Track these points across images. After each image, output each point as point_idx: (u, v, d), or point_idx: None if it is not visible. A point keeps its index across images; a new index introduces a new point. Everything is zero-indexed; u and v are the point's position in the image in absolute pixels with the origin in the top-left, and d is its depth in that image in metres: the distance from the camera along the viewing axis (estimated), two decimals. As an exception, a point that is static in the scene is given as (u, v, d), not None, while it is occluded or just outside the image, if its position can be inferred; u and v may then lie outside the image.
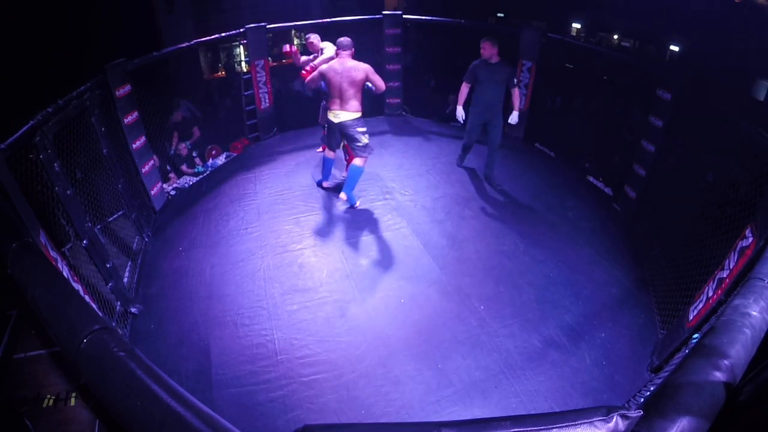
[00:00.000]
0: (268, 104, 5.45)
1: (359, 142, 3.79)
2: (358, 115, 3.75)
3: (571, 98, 5.91)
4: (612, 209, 4.39)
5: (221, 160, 5.30)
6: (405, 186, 4.50)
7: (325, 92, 4.00)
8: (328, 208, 4.17)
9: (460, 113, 4.34)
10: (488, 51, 4.07)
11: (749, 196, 2.68)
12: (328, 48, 4.27)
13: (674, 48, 8.12)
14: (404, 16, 5.65)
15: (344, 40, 3.71)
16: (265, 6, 8.03)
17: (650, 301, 3.30)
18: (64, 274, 2.32)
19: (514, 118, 4.27)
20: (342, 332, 2.97)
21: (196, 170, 5.13)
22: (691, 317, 2.56)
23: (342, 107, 3.70)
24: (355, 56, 3.75)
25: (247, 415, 2.48)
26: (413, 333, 2.96)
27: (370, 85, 3.78)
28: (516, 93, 4.21)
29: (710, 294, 2.45)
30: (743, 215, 2.59)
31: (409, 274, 3.42)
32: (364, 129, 3.79)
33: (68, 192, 2.79)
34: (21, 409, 2.39)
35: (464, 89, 4.27)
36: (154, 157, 4.34)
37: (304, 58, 4.52)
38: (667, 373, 2.05)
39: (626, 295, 3.33)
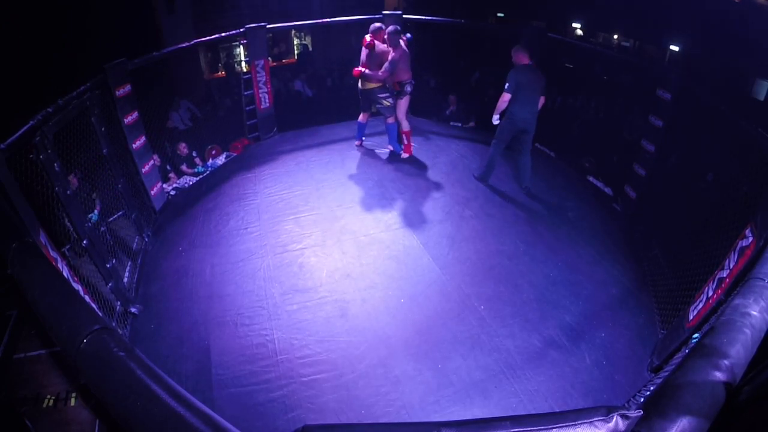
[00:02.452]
0: (268, 104, 5.45)
1: (381, 104, 4.75)
2: (380, 84, 4.62)
3: (571, 98, 5.91)
4: (612, 209, 4.39)
5: (221, 160, 5.30)
6: (405, 186, 4.50)
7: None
8: (328, 208, 4.17)
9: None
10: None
11: (749, 195, 2.68)
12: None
13: (674, 48, 8.13)
14: (404, 16, 5.65)
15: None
16: (265, 6, 8.03)
17: (650, 301, 3.30)
18: (64, 274, 2.32)
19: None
20: (342, 332, 2.96)
21: (196, 170, 5.13)
22: (691, 317, 2.56)
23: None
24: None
25: (247, 415, 2.48)
26: (413, 333, 2.96)
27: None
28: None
29: (710, 294, 2.45)
30: (743, 215, 2.59)
31: (409, 274, 3.42)
32: (386, 94, 4.69)
33: (68, 192, 2.79)
34: (21, 409, 2.39)
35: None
36: (154, 156, 4.34)
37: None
38: (667, 373, 2.05)
39: (626, 295, 3.33)
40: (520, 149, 4.34)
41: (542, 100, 4.11)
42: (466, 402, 2.55)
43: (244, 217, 4.09)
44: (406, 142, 4.97)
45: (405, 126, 4.92)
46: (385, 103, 4.74)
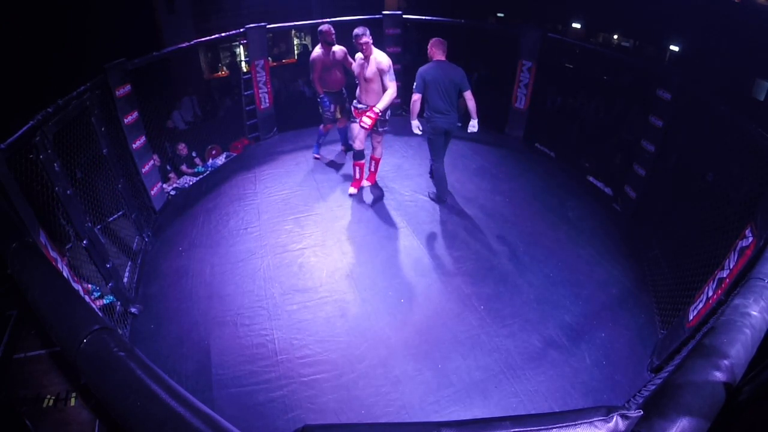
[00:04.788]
0: (268, 104, 5.45)
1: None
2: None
3: (571, 98, 5.91)
4: (612, 209, 4.38)
5: (221, 160, 5.30)
6: (405, 186, 4.50)
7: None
8: (328, 208, 4.17)
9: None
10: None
11: (749, 196, 2.68)
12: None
13: (674, 48, 8.12)
14: (404, 16, 5.65)
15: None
16: (264, 6, 8.03)
17: (650, 301, 3.30)
18: (64, 274, 2.32)
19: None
20: (342, 332, 2.97)
21: (196, 170, 5.13)
22: (691, 317, 2.56)
23: None
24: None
25: (247, 415, 2.48)
26: (413, 333, 2.96)
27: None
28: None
29: (710, 294, 2.45)
30: (743, 215, 2.59)
31: (409, 274, 3.42)
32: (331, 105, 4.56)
33: (68, 192, 2.80)
34: (21, 409, 2.39)
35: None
36: (154, 156, 4.34)
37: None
38: (667, 373, 2.05)
39: (626, 295, 3.33)
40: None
41: (469, 95, 3.74)
42: (466, 402, 2.55)
43: (244, 217, 4.09)
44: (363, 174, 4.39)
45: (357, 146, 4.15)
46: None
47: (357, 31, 3.75)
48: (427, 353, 2.82)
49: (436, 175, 4.12)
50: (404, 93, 5.99)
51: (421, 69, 3.74)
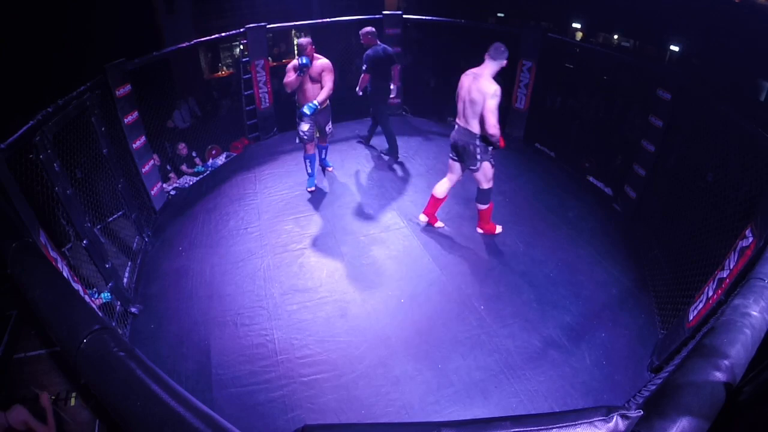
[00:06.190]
0: (268, 104, 5.45)
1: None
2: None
3: (572, 98, 5.91)
4: (612, 209, 4.38)
5: (221, 160, 5.30)
6: (405, 186, 4.50)
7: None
8: (328, 208, 4.17)
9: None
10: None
11: (749, 196, 2.68)
12: None
13: (674, 48, 8.13)
14: (404, 16, 5.65)
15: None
16: (265, 6, 8.03)
17: (650, 301, 3.30)
18: (64, 274, 2.32)
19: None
20: (342, 332, 2.96)
21: (196, 170, 5.13)
22: (691, 317, 2.56)
23: None
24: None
25: (247, 415, 2.48)
26: (413, 333, 2.96)
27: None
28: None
29: (710, 294, 2.45)
30: (743, 215, 2.58)
31: (409, 274, 3.42)
32: (302, 123, 4.00)
33: (68, 192, 2.80)
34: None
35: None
36: (154, 156, 4.34)
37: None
38: (667, 373, 2.05)
39: (626, 295, 3.33)
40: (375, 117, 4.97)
41: (397, 67, 4.73)
42: (466, 402, 2.55)
43: (244, 217, 4.09)
44: None
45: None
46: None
47: (498, 46, 3.38)
48: (427, 353, 2.82)
49: (386, 134, 4.88)
50: (401, 94, 6.00)
51: (368, 53, 4.44)
